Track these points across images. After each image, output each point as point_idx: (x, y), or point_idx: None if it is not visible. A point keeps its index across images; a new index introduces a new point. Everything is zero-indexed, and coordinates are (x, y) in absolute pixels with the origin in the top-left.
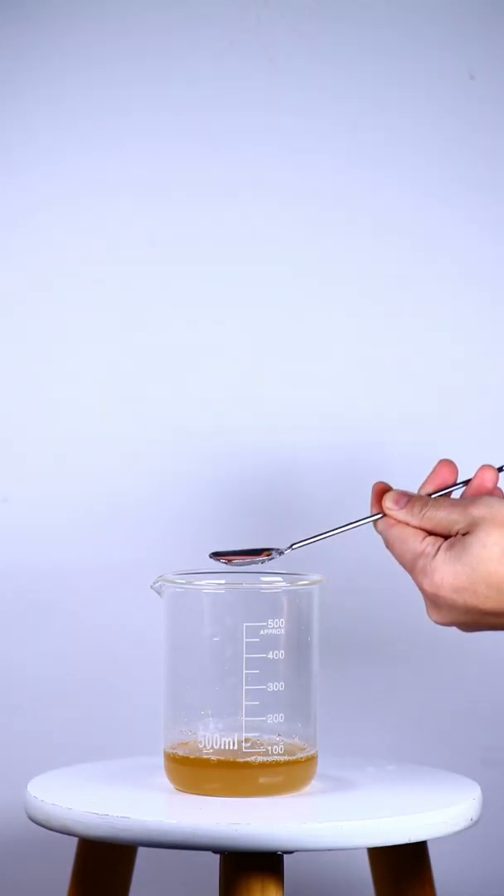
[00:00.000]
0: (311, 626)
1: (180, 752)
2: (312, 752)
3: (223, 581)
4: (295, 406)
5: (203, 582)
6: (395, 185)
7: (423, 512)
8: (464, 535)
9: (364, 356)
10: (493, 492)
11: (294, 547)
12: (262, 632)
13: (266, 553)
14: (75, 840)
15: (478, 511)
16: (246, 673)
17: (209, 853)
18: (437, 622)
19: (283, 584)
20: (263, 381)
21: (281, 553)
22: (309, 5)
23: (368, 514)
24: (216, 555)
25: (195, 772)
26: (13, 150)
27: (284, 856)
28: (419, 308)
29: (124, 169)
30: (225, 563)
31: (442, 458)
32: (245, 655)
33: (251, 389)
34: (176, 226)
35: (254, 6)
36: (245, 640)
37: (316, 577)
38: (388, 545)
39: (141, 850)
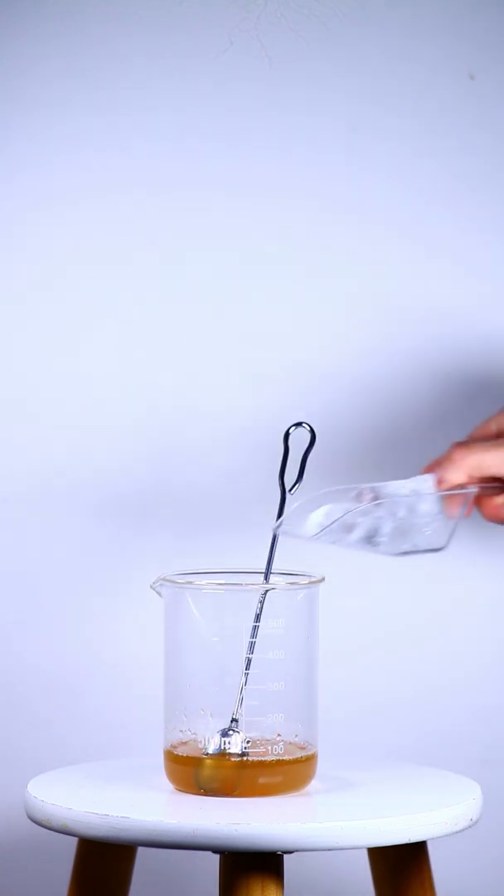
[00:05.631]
0: (311, 626)
1: (180, 752)
2: (312, 752)
3: (223, 581)
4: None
5: (203, 582)
6: (394, 185)
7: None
8: None
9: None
10: None
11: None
12: (262, 632)
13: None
14: (75, 840)
15: None
16: (246, 673)
17: (209, 853)
18: None
19: (284, 584)
20: (264, 381)
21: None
22: (309, 5)
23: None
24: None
25: (195, 772)
26: (13, 150)
27: (284, 856)
28: (421, 300)
29: (124, 168)
30: None
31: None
32: (245, 655)
33: (254, 390)
34: (176, 225)
35: (254, 6)
36: (245, 640)
37: (316, 577)
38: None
39: (141, 850)
